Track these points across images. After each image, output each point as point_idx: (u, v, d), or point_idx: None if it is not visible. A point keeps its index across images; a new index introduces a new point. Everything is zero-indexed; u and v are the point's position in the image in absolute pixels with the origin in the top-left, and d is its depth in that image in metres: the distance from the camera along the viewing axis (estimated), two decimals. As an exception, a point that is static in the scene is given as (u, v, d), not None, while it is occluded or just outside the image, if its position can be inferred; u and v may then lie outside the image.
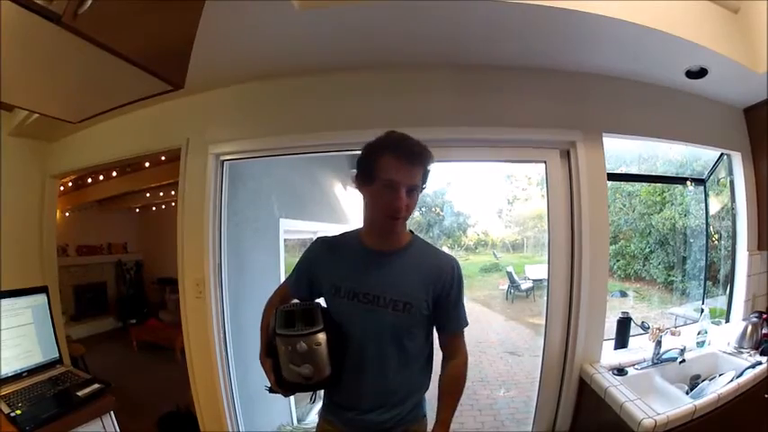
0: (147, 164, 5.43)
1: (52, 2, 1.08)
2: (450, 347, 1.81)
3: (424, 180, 1.65)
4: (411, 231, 1.80)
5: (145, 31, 1.41)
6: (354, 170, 1.68)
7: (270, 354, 1.66)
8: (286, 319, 1.62)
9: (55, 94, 1.81)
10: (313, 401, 1.89)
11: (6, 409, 2.08)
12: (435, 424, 1.72)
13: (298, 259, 1.90)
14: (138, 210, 9.40)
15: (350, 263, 1.73)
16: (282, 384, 1.65)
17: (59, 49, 1.31)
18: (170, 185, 6.43)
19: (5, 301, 2.43)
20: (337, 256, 1.77)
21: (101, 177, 6.51)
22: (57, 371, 2.57)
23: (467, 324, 1.80)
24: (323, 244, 1.83)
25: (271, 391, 1.71)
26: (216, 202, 3.01)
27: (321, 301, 1.76)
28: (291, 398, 4.17)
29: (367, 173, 1.62)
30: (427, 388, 1.84)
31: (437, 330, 1.78)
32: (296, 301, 1.81)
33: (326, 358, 1.59)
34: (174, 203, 3.89)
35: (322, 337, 1.58)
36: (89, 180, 6.63)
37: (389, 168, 1.56)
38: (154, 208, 8.94)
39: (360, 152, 1.68)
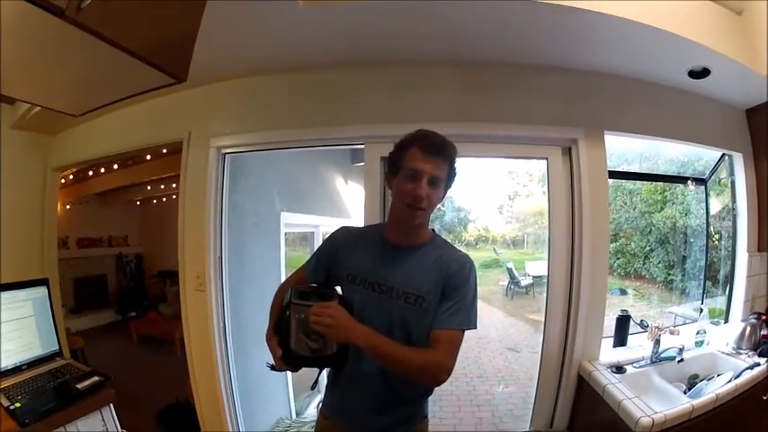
0: (148, 156, 5.42)
1: (55, -4, 1.08)
2: (434, 346, 1.59)
3: (449, 178, 1.67)
4: (433, 230, 1.81)
5: (148, 24, 1.40)
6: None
7: (278, 332, 1.68)
8: (301, 294, 1.66)
9: (57, 88, 1.81)
10: (314, 388, 1.89)
11: (6, 402, 2.08)
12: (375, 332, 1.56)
13: (319, 246, 1.93)
14: (138, 202, 9.40)
15: (368, 253, 1.74)
16: (288, 359, 1.66)
17: (61, 42, 1.31)
18: (171, 178, 6.42)
19: (6, 294, 2.43)
20: (358, 245, 1.79)
21: (102, 170, 6.52)
22: (56, 363, 2.57)
23: (462, 326, 1.62)
24: (346, 232, 1.87)
25: (272, 368, 1.72)
26: (217, 195, 3.01)
27: (338, 289, 1.78)
28: (291, 391, 4.21)
29: (394, 166, 1.67)
30: (431, 391, 1.82)
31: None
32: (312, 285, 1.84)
33: None
34: (175, 196, 3.90)
35: None
36: (90, 173, 6.63)
37: (413, 159, 1.60)
38: (155, 201, 8.93)
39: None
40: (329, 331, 1.52)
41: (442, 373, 1.56)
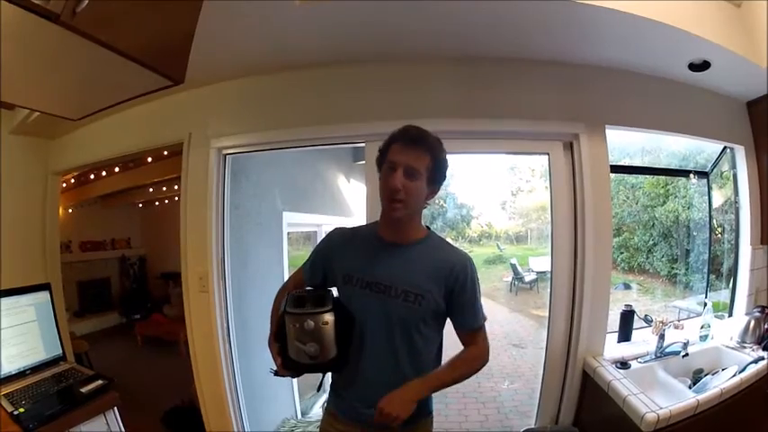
0: (149, 159, 5.42)
1: (50, 1, 1.08)
2: (469, 342, 1.77)
3: (435, 172, 1.63)
4: (428, 227, 1.80)
5: (144, 27, 1.40)
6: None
7: (278, 338, 1.67)
8: (296, 301, 1.65)
9: (55, 92, 1.81)
10: (319, 390, 1.89)
11: (10, 408, 2.08)
12: (419, 379, 1.66)
13: (314, 247, 1.93)
14: (140, 205, 9.40)
15: (364, 253, 1.74)
16: (289, 366, 1.65)
17: (59, 47, 1.31)
18: (173, 180, 6.40)
19: (9, 300, 2.43)
20: (353, 245, 1.78)
21: (103, 173, 6.51)
22: (60, 368, 2.57)
23: (484, 320, 1.76)
24: (340, 233, 1.86)
25: (276, 374, 1.71)
26: (218, 195, 3.02)
27: (334, 290, 1.77)
28: (296, 391, 4.21)
29: (379, 163, 1.68)
30: None
31: (454, 327, 1.76)
32: (309, 287, 1.83)
33: (333, 339, 1.60)
34: (176, 198, 3.90)
35: (330, 317, 1.60)
36: (91, 176, 6.62)
37: (392, 152, 1.61)
38: (157, 203, 8.92)
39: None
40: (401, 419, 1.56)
41: (485, 362, 1.78)
